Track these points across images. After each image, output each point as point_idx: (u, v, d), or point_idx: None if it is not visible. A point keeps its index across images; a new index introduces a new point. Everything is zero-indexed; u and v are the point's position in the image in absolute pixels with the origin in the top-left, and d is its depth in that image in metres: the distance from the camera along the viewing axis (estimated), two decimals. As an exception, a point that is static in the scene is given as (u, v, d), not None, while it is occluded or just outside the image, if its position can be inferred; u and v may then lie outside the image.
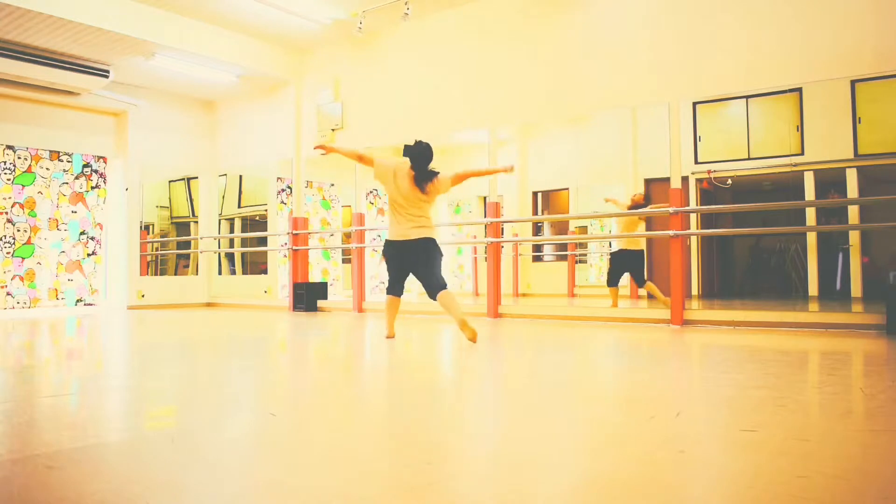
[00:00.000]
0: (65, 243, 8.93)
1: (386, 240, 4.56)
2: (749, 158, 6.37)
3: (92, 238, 9.24)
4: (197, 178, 10.14)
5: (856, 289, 6.02)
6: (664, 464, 1.69)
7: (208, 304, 10.03)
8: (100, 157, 9.36)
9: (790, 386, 2.76)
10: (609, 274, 6.92)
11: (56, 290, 8.80)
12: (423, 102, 7.77)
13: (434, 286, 4.37)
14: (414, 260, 4.43)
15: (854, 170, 5.84)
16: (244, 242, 10.07)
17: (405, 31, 7.93)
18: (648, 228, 7.08)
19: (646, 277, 6.74)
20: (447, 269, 9.36)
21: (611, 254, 6.97)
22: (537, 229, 8.79)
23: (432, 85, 7.69)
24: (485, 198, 7.35)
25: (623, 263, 6.80)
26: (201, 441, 1.97)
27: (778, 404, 2.36)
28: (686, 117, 6.13)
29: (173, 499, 1.45)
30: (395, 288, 4.63)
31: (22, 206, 8.54)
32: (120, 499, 1.45)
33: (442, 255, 4.50)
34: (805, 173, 6.06)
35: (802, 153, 5.96)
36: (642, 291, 7.39)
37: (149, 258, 9.59)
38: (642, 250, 6.72)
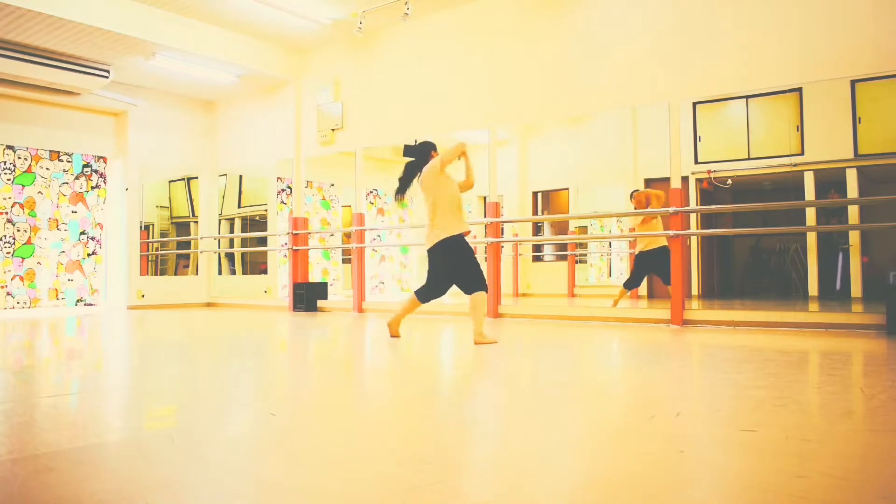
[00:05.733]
0: (65, 243, 8.93)
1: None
2: (749, 158, 6.37)
3: (92, 238, 9.24)
4: (197, 178, 10.14)
5: (856, 289, 6.02)
6: (664, 464, 1.69)
7: (208, 304, 10.03)
8: (100, 157, 9.36)
9: (790, 386, 2.76)
10: (631, 275, 6.65)
11: (56, 290, 8.80)
12: (423, 102, 7.77)
13: (466, 287, 4.35)
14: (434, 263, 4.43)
15: (854, 170, 5.84)
16: (244, 242, 10.07)
17: (405, 31, 7.93)
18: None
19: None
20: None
21: (636, 256, 6.63)
22: (537, 229, 8.79)
23: (432, 85, 7.69)
24: (485, 198, 7.35)
25: (648, 265, 6.47)
26: (201, 441, 1.97)
27: (778, 404, 2.36)
28: (686, 117, 6.13)
29: (173, 499, 1.45)
30: (424, 292, 4.50)
31: (22, 206, 8.54)
32: (120, 499, 1.45)
33: (451, 254, 4.33)
34: (805, 173, 6.06)
35: (802, 153, 5.96)
36: (643, 292, 7.40)
37: (149, 258, 9.59)
38: (665, 247, 6.15)
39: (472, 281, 4.30)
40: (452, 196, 4.36)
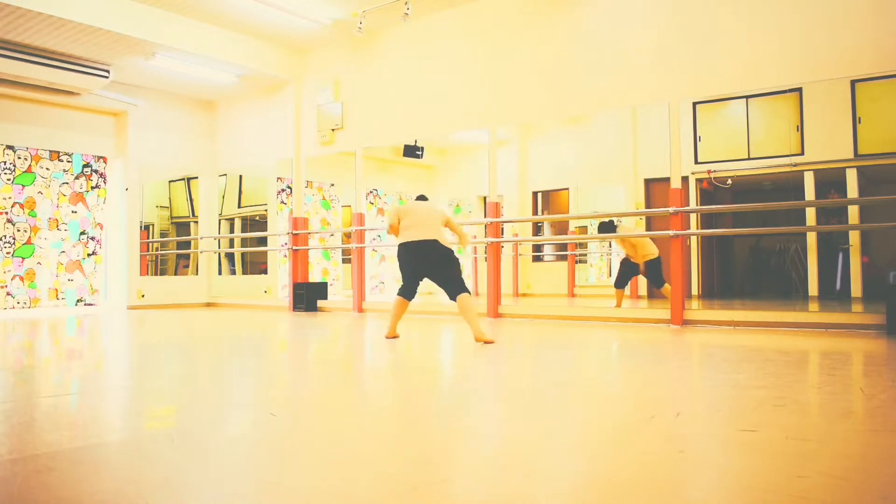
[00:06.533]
0: (65, 243, 8.93)
1: (399, 244, 4.61)
2: (749, 158, 6.37)
3: (92, 238, 9.24)
4: (197, 178, 10.14)
5: (856, 289, 6.02)
6: (664, 464, 1.69)
7: (208, 304, 10.03)
8: (100, 157, 9.36)
9: (790, 386, 2.76)
10: (618, 276, 6.96)
11: (56, 290, 8.80)
12: (423, 102, 7.77)
13: (454, 290, 4.47)
14: (429, 261, 4.52)
15: (854, 170, 5.84)
16: (244, 242, 10.06)
17: (405, 31, 7.93)
18: (648, 228, 7.11)
19: (665, 279, 6.62)
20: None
21: (623, 259, 6.96)
22: (537, 229, 8.79)
23: (432, 85, 7.69)
24: (485, 198, 7.34)
25: (633, 269, 6.82)
26: (201, 441, 1.97)
27: (777, 404, 2.36)
28: (686, 117, 6.13)
29: (173, 499, 1.45)
30: (407, 290, 4.67)
31: (22, 206, 8.53)
32: (120, 499, 1.45)
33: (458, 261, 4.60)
34: (805, 173, 6.06)
35: (802, 153, 5.96)
36: (643, 292, 7.41)
37: (149, 258, 9.59)
38: (652, 260, 6.59)
39: (457, 284, 4.45)
40: None
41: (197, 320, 7.14)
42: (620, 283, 6.86)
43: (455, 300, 4.45)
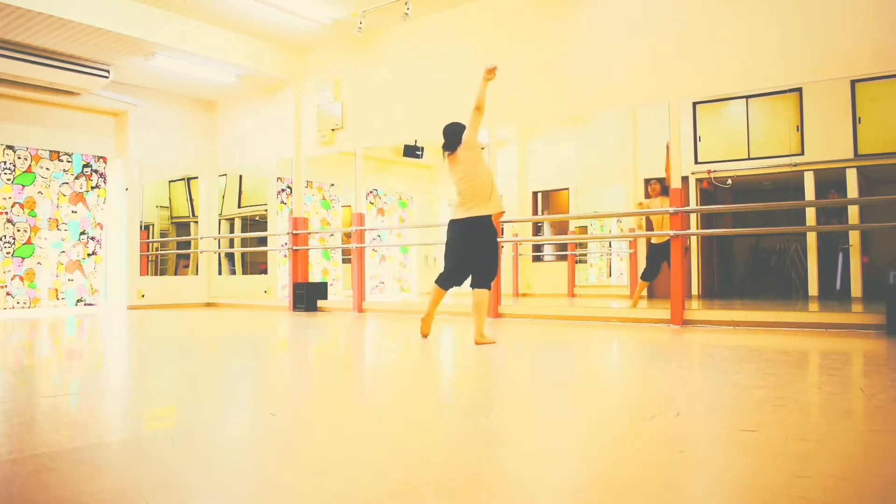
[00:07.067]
0: (65, 243, 8.93)
1: (449, 220, 4.45)
2: (749, 158, 6.37)
3: (92, 238, 9.24)
4: (197, 178, 10.14)
5: (856, 289, 6.01)
6: (664, 464, 1.69)
7: (208, 305, 10.03)
8: (100, 157, 9.36)
9: (790, 386, 2.76)
10: (648, 267, 6.72)
11: (56, 290, 8.79)
12: (423, 102, 7.77)
13: (478, 280, 4.33)
14: (465, 242, 4.33)
15: (854, 170, 5.84)
16: (244, 242, 10.06)
17: (405, 31, 7.93)
18: (648, 228, 7.10)
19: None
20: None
21: (648, 248, 6.75)
22: (537, 229, 8.79)
23: (432, 85, 7.69)
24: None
25: (662, 255, 6.50)
26: (201, 441, 1.97)
27: (778, 404, 2.36)
28: (686, 117, 6.13)
29: (173, 499, 1.45)
30: (446, 278, 4.50)
31: (22, 206, 8.53)
32: (120, 499, 1.45)
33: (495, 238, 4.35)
34: (805, 173, 6.06)
35: (802, 153, 5.96)
36: (643, 292, 7.39)
37: (149, 258, 9.59)
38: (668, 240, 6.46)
39: (483, 277, 4.33)
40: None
41: (197, 320, 7.14)
42: (651, 275, 6.61)
43: (473, 290, 4.36)
